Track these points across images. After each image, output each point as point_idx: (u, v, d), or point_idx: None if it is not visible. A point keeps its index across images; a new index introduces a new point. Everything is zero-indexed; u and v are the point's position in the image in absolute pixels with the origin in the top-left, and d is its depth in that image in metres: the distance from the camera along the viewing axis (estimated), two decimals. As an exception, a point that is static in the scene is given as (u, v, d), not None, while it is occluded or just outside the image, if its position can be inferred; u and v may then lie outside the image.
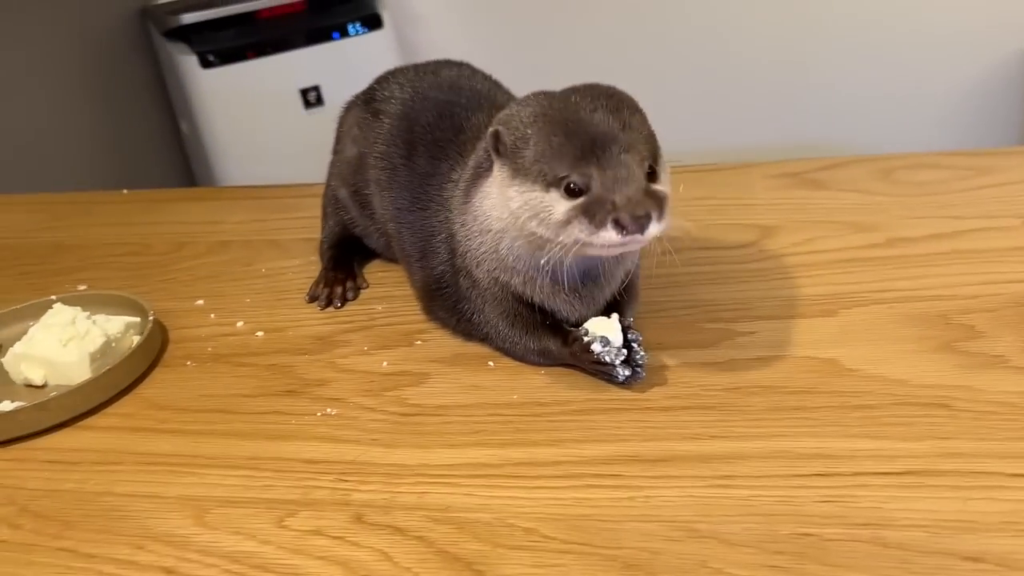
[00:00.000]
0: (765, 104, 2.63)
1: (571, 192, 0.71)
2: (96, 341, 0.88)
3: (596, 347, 0.77)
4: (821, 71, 2.55)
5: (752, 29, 2.56)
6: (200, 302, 1.03)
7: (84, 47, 2.44)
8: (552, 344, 0.81)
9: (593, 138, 0.71)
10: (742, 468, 0.67)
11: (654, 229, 0.69)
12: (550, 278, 0.79)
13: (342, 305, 0.99)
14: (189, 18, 2.45)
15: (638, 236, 0.69)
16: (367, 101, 1.02)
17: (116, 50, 2.55)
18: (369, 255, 1.06)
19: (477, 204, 0.80)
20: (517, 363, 0.84)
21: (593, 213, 0.70)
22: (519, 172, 0.74)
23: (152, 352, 0.91)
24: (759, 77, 2.60)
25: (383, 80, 1.03)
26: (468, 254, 0.82)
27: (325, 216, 1.07)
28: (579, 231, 0.71)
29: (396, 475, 0.72)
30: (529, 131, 0.73)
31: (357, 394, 0.83)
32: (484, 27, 2.79)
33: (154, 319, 0.93)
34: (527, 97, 0.78)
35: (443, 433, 0.76)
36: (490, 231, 0.80)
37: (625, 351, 0.77)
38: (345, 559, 0.64)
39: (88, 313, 0.93)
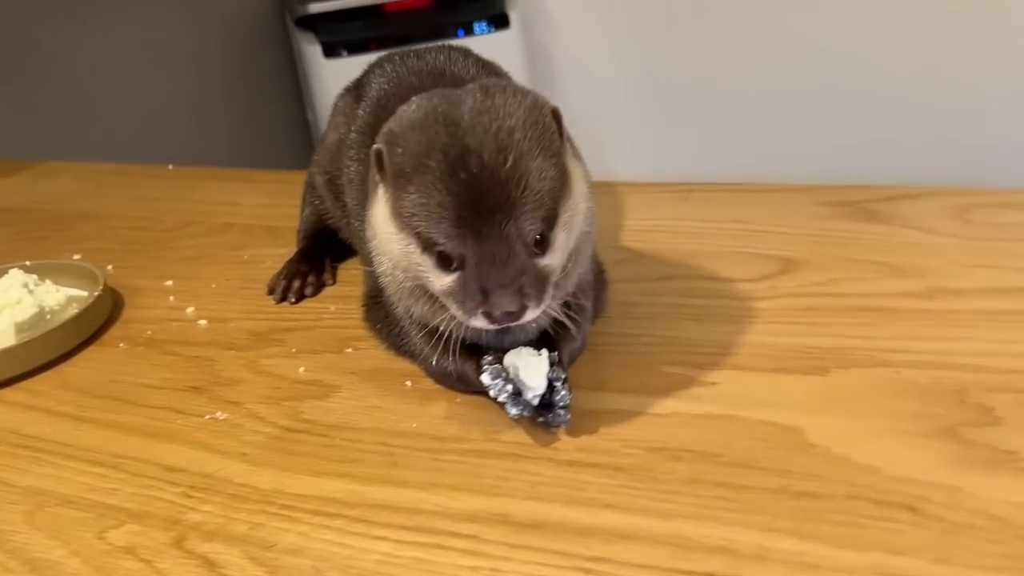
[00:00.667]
0: (847, 126, 2.37)
1: (445, 263, 0.61)
2: (27, 311, 0.85)
3: (485, 379, 0.65)
4: (910, 92, 2.26)
5: (843, 46, 2.30)
6: (169, 283, 0.99)
7: (225, 31, 2.52)
8: (469, 369, 0.69)
9: (476, 201, 0.59)
10: (621, 551, 0.54)
11: (530, 315, 0.61)
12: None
13: (296, 301, 0.91)
14: (317, 7, 2.46)
15: (511, 324, 0.61)
16: (356, 86, 0.94)
17: (254, 35, 2.62)
18: (345, 250, 0.97)
19: (371, 218, 0.69)
20: (438, 386, 0.73)
21: (463, 299, 0.60)
22: (397, 215, 0.63)
23: (86, 329, 0.87)
24: (843, 96, 2.34)
25: (375, 64, 0.94)
26: (378, 268, 0.72)
27: (303, 204, 1.00)
28: (452, 310, 0.62)
29: (242, 499, 0.63)
30: (409, 171, 0.61)
31: (257, 400, 0.75)
32: (614, 30, 2.67)
33: (100, 295, 0.89)
34: (415, 113, 0.64)
35: (316, 457, 0.66)
36: (384, 254, 0.69)
37: (541, 388, 0.64)
38: (137, 588, 0.56)
39: (36, 279, 0.89)
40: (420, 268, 0.63)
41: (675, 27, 2.56)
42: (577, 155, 0.69)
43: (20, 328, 0.84)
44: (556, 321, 0.68)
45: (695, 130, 2.64)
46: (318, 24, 2.47)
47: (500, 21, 2.56)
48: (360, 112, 0.87)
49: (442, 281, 0.61)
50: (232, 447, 0.69)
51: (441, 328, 0.66)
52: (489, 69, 0.88)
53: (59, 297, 0.88)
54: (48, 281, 0.93)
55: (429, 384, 0.74)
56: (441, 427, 0.68)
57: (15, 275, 0.88)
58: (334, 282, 0.94)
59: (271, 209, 1.16)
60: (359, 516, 0.60)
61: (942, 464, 0.57)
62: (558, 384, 0.65)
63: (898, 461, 0.58)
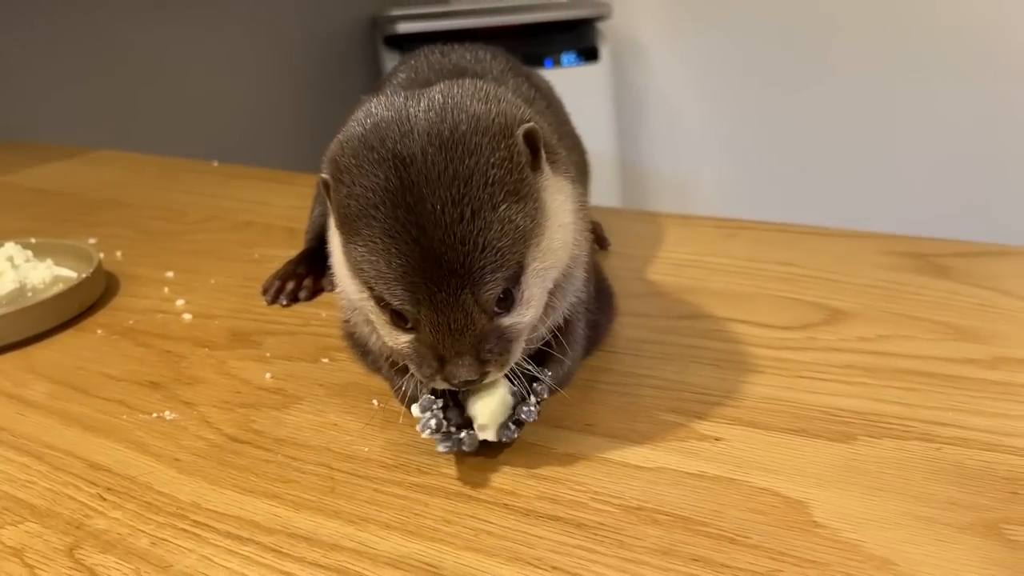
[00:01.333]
0: (935, 183, 2.23)
1: (400, 320, 0.53)
2: (7, 286, 0.80)
3: (414, 410, 0.57)
4: (1001, 151, 2.08)
5: (936, 101, 2.14)
6: (170, 274, 0.94)
7: (317, 45, 2.54)
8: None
9: (429, 265, 0.50)
10: (557, 628, 0.44)
11: (493, 375, 0.54)
12: None
13: (288, 303, 0.84)
14: (404, 28, 2.45)
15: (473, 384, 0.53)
16: (381, 83, 0.88)
17: (345, 51, 2.63)
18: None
19: (331, 248, 0.62)
20: (405, 409, 0.65)
21: (420, 364, 0.53)
22: (351, 262, 0.54)
23: (65, 312, 0.82)
24: (933, 152, 2.18)
25: (404, 57, 0.88)
26: (339, 300, 0.65)
27: (313, 203, 0.94)
28: (412, 369, 0.55)
29: (157, 508, 0.56)
30: (357, 219, 0.52)
31: (212, 403, 0.68)
32: (703, 71, 2.58)
33: (87, 279, 0.84)
34: (362, 138, 0.54)
35: (250, 472, 0.59)
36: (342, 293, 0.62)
37: (489, 433, 0.56)
38: (7, 597, 0.49)
39: (30, 255, 0.85)
40: (378, 321, 0.56)
41: (764, 70, 2.46)
42: (561, 169, 0.59)
43: (-3, 303, 0.80)
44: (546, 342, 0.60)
45: (779, 174, 2.52)
46: (405, 44, 2.46)
47: (590, 54, 2.51)
48: None
49: (397, 341, 0.54)
50: (167, 451, 0.62)
51: (392, 356, 0.60)
52: (514, 71, 0.81)
53: (45, 275, 0.84)
54: (45, 260, 0.88)
55: (397, 406, 0.65)
56: (394, 454, 0.60)
57: (5, 249, 0.84)
58: (332, 288, 0.87)
59: (298, 211, 1.10)
60: (272, 544, 0.51)
61: (976, 566, 0.46)
62: (531, 401, 0.56)
63: (920, 557, 0.47)
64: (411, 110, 0.54)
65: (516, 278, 0.53)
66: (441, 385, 0.54)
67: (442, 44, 0.87)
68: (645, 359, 0.70)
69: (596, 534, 0.50)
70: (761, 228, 0.97)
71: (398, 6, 2.62)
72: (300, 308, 0.84)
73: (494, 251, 0.51)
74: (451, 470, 0.57)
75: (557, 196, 0.57)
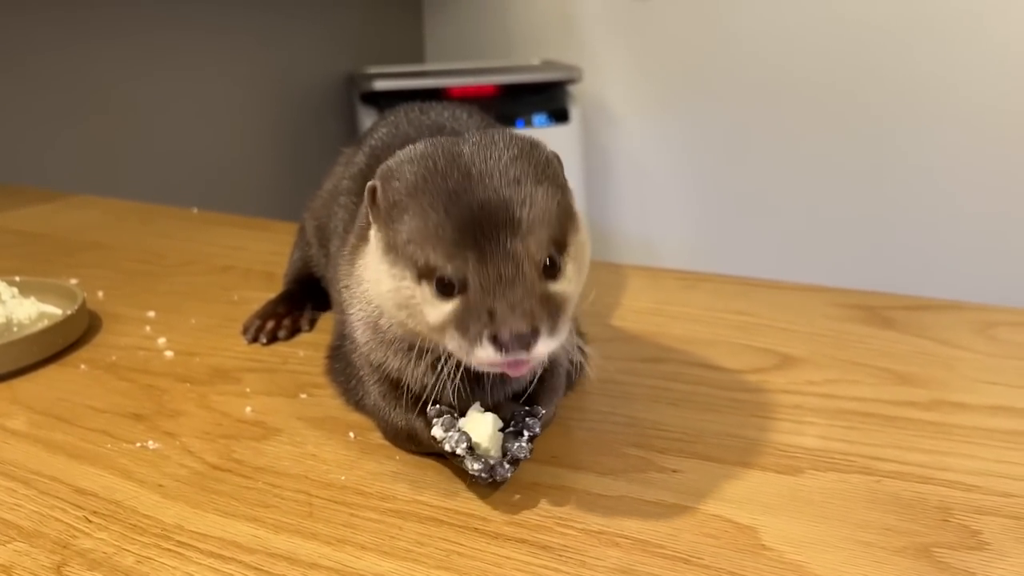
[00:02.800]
0: (891, 242, 2.34)
1: (444, 289, 0.54)
2: (-8, 320, 0.83)
3: (436, 432, 0.60)
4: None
5: (894, 165, 2.24)
6: (151, 314, 0.96)
7: (295, 99, 2.60)
8: (419, 425, 0.64)
9: (478, 219, 0.53)
10: (523, 638, 0.47)
11: (544, 347, 0.52)
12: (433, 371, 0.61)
13: (268, 342, 0.88)
14: (381, 85, 2.52)
15: (523, 355, 0.52)
16: (362, 137, 0.93)
17: (321, 106, 2.69)
18: (328, 298, 0.94)
19: (360, 267, 0.65)
20: (381, 442, 0.68)
21: (467, 326, 0.53)
22: (391, 248, 0.57)
23: (50, 347, 0.84)
24: (891, 213, 2.28)
25: (383, 115, 0.93)
26: (351, 318, 0.68)
27: (293, 248, 0.98)
28: (452, 344, 0.54)
29: (142, 530, 0.58)
30: (406, 198, 0.56)
31: (193, 434, 0.71)
32: (670, 134, 2.67)
33: (72, 316, 0.87)
34: (417, 146, 0.59)
35: (231, 497, 0.62)
36: (370, 303, 0.64)
37: (494, 452, 0.59)
38: (-3, 610, 0.51)
39: (15, 292, 0.88)
40: (415, 301, 0.56)
41: (728, 136, 2.56)
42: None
43: (-17, 336, 0.82)
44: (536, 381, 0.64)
45: (743, 233, 2.60)
46: (382, 101, 2.52)
47: (560, 115, 2.59)
48: (356, 160, 0.85)
49: (440, 311, 0.54)
50: (151, 477, 0.64)
51: (406, 381, 0.63)
52: (490, 126, 0.86)
53: (31, 311, 0.86)
54: (30, 297, 0.91)
55: (374, 438, 0.69)
56: (370, 483, 0.63)
57: (-5, 286, 0.87)
58: (311, 328, 0.90)
59: (276, 256, 1.14)
60: (254, 564, 0.54)
61: (908, 586, 0.50)
62: (524, 437, 0.60)
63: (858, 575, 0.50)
64: (456, 138, 0.59)
65: (560, 247, 0.55)
66: (486, 353, 0.52)
67: (420, 103, 0.92)
68: (609, 398, 0.74)
69: (560, 555, 0.54)
70: (719, 280, 1.02)
71: (374, 64, 2.70)
72: (279, 347, 0.87)
73: (542, 211, 0.54)
74: (423, 497, 0.60)
75: (580, 215, 0.61)
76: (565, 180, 0.60)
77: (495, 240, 0.53)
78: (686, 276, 1.03)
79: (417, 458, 0.66)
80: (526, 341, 0.51)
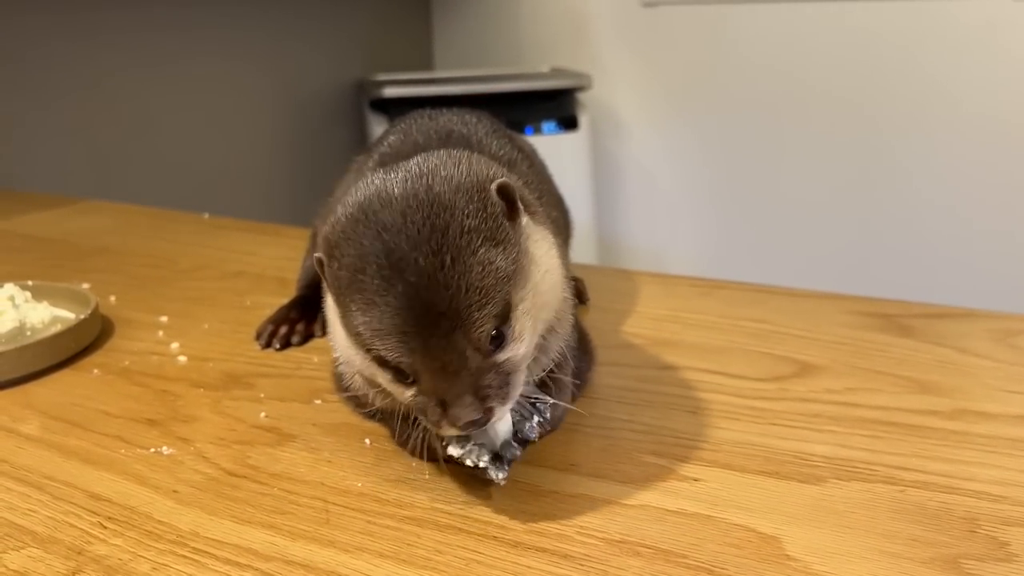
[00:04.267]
0: (905, 251, 2.32)
1: (402, 377, 0.57)
2: (7, 324, 0.82)
3: (453, 452, 0.59)
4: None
5: (905, 171, 2.23)
6: (163, 319, 0.96)
7: (304, 105, 2.59)
8: (436, 444, 0.63)
9: (416, 314, 0.53)
10: (546, 648, 0.46)
11: (499, 415, 0.56)
12: None
13: (281, 347, 0.87)
14: (390, 92, 2.51)
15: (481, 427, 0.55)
16: (373, 145, 0.92)
17: (330, 112, 2.69)
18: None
19: (328, 324, 0.67)
20: (397, 449, 0.68)
21: (427, 413, 0.56)
22: (349, 328, 0.57)
23: (63, 351, 0.84)
24: (903, 220, 2.26)
25: (395, 122, 0.93)
26: (336, 365, 0.70)
27: (306, 254, 0.97)
28: (422, 422, 0.58)
29: (157, 536, 0.58)
30: (348, 286, 0.56)
31: (208, 440, 0.70)
32: (679, 141, 2.67)
33: (85, 320, 0.86)
34: (349, 214, 0.58)
35: (247, 504, 0.61)
36: (345, 362, 0.66)
37: (506, 429, 0.59)
38: (12, 616, 0.50)
39: (28, 296, 0.87)
40: (383, 380, 0.58)
41: (738, 143, 2.55)
42: (543, 221, 0.63)
43: (-3, 340, 0.82)
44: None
45: (754, 242, 2.59)
46: (391, 108, 2.52)
47: (569, 123, 2.58)
48: (367, 167, 0.85)
49: (404, 395, 0.58)
50: (166, 483, 0.64)
51: (399, 409, 0.63)
52: (498, 134, 0.86)
53: (44, 316, 0.86)
54: (43, 302, 0.91)
55: (390, 445, 0.68)
56: (387, 490, 0.62)
57: (5, 289, 0.87)
58: (324, 334, 0.90)
59: (288, 262, 1.14)
60: (270, 571, 0.53)
61: (937, 598, 0.49)
62: (535, 420, 0.60)
63: (886, 588, 0.50)
64: (389, 183, 0.58)
65: (505, 316, 0.56)
66: (449, 431, 0.56)
67: (431, 109, 0.92)
68: (627, 405, 0.73)
69: (581, 564, 0.53)
70: (734, 287, 1.01)
71: (383, 71, 2.70)
72: (293, 352, 0.87)
73: (478, 291, 0.54)
74: (442, 505, 0.60)
75: (541, 244, 0.61)
76: (514, 214, 0.59)
77: (436, 332, 0.53)
78: (701, 283, 1.03)
79: (434, 466, 0.65)
80: (480, 422, 0.54)
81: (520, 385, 0.57)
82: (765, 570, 0.52)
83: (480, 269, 0.54)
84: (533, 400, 0.61)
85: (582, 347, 0.72)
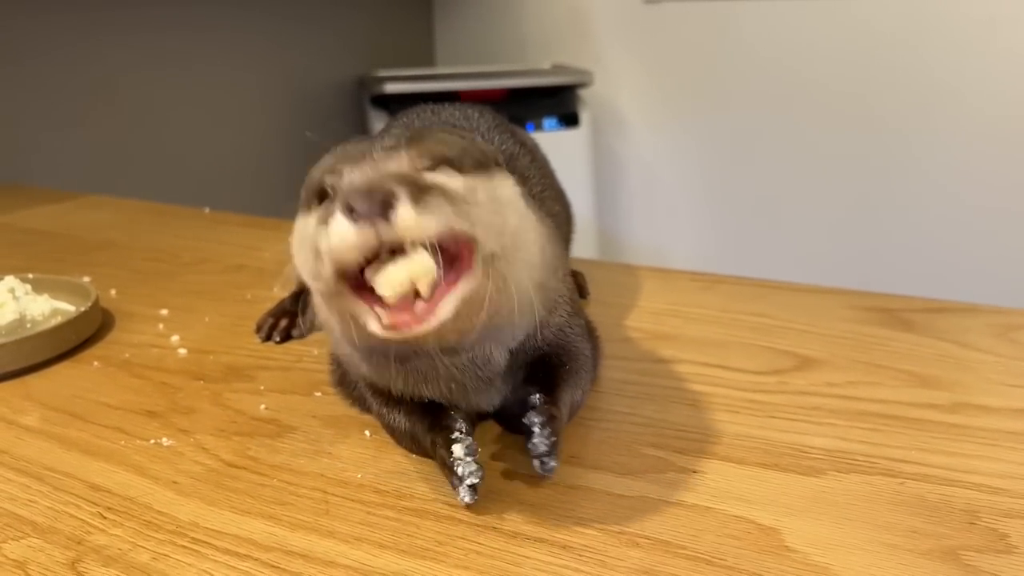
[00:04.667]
0: (905, 246, 2.32)
1: (323, 200, 0.54)
2: (7, 316, 0.83)
3: (457, 450, 0.58)
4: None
5: (908, 168, 2.23)
6: (164, 312, 0.96)
7: (304, 101, 2.59)
8: (419, 428, 0.63)
9: (366, 146, 0.54)
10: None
11: (407, 215, 0.48)
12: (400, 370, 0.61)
13: (282, 340, 0.87)
14: (392, 88, 2.51)
15: (382, 225, 0.48)
16: (376, 135, 0.92)
17: (331, 108, 2.69)
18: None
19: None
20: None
21: (327, 212, 0.51)
22: (303, 204, 0.57)
23: (63, 343, 0.84)
24: (905, 215, 2.26)
25: (398, 115, 0.93)
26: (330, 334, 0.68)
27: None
28: (323, 247, 0.50)
29: (157, 527, 0.58)
30: (318, 180, 0.55)
31: (207, 432, 0.70)
32: (680, 139, 2.66)
33: (85, 313, 0.86)
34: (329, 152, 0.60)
35: (247, 495, 0.61)
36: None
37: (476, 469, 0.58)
38: (12, 605, 0.50)
39: (28, 288, 0.88)
40: (297, 231, 0.56)
41: (740, 141, 2.55)
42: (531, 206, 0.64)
43: (-3, 332, 0.82)
44: (546, 368, 0.64)
45: (754, 239, 2.59)
46: (392, 104, 2.52)
47: (571, 120, 2.58)
48: None
49: (319, 231, 0.51)
50: (165, 474, 0.64)
51: (391, 389, 0.63)
52: (500, 128, 0.86)
53: (45, 308, 0.86)
54: (43, 294, 0.91)
55: (388, 437, 0.68)
56: (386, 481, 0.62)
57: (6, 282, 0.87)
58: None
59: (289, 256, 1.14)
60: (271, 561, 0.54)
61: (936, 589, 0.49)
62: (536, 430, 0.58)
63: (885, 579, 0.50)
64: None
65: (457, 162, 0.54)
66: (339, 231, 0.48)
67: (433, 103, 0.92)
68: (627, 398, 0.73)
69: (580, 555, 0.53)
70: (734, 282, 1.01)
71: (385, 67, 2.69)
72: (293, 345, 0.87)
73: (433, 143, 0.55)
74: (442, 496, 0.60)
75: (517, 191, 0.60)
76: (489, 162, 0.59)
77: (375, 150, 0.54)
78: (701, 278, 1.03)
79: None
80: (376, 202, 0.48)
81: (445, 210, 0.50)
82: (764, 561, 0.52)
83: (453, 135, 0.57)
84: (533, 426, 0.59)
85: (591, 341, 0.72)
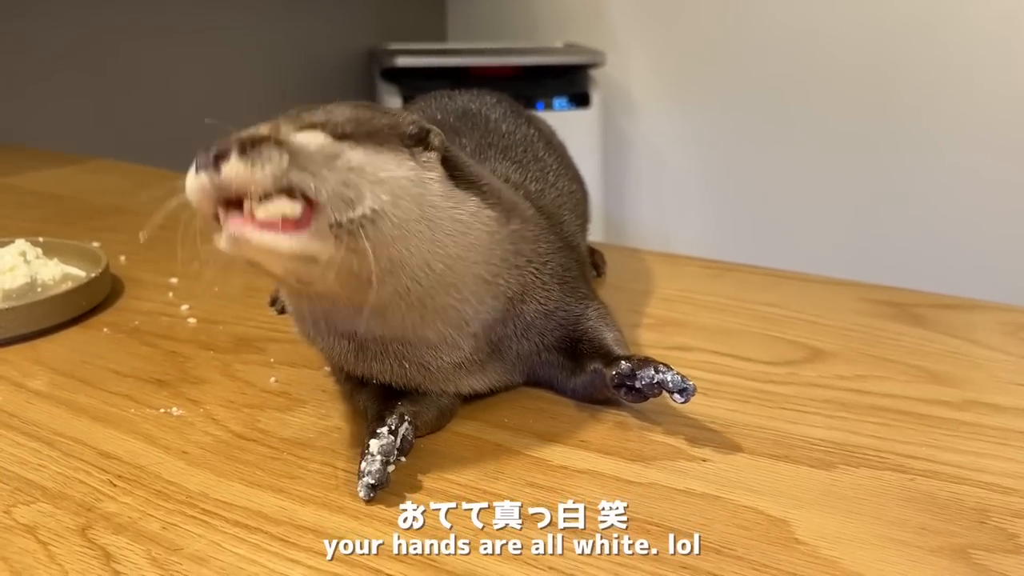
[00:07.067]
0: (915, 238, 2.30)
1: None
2: (18, 279, 0.82)
3: (373, 445, 0.58)
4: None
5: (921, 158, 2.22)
6: (173, 280, 0.96)
7: (313, 72, 2.57)
8: (370, 409, 0.64)
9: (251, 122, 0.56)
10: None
11: (231, 165, 0.51)
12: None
13: (294, 314, 0.87)
14: (403, 62, 2.49)
15: (212, 174, 0.52)
16: None
17: (340, 80, 2.67)
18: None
19: None
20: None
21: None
22: None
23: (73, 308, 0.84)
24: (915, 208, 2.25)
25: (414, 101, 0.93)
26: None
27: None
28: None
29: (166, 496, 0.58)
30: None
31: (217, 402, 0.70)
32: (691, 122, 2.65)
33: (96, 278, 0.86)
34: None
35: (257, 468, 0.61)
36: None
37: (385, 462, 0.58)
38: (23, 568, 0.51)
39: (39, 252, 0.87)
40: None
41: (752, 127, 2.54)
42: (474, 190, 0.63)
43: (7, 295, 0.82)
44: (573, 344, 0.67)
45: (761, 227, 2.58)
46: (403, 78, 2.50)
47: (581, 100, 2.56)
48: None
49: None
50: (175, 443, 0.64)
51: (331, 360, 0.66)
52: (516, 115, 0.86)
53: (56, 272, 0.86)
54: (53, 259, 0.90)
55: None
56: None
57: (17, 245, 0.87)
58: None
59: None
60: (281, 535, 0.54)
61: (945, 586, 0.49)
62: (649, 372, 0.62)
63: (894, 574, 0.50)
64: None
65: (331, 132, 0.56)
66: (189, 185, 0.55)
67: (449, 89, 0.92)
68: (636, 384, 0.73)
69: (590, 539, 0.53)
70: (745, 271, 1.01)
71: (396, 41, 2.67)
72: (303, 319, 0.87)
73: (322, 110, 0.57)
74: (454, 477, 0.60)
75: (431, 184, 0.59)
76: (389, 138, 0.59)
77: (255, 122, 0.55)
78: (712, 265, 1.02)
79: (443, 436, 0.65)
80: (212, 153, 0.52)
81: (274, 169, 0.52)
82: (774, 553, 0.52)
83: (346, 109, 0.58)
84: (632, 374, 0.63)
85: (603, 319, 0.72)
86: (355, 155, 0.55)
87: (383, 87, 2.54)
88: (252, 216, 0.52)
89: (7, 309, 0.79)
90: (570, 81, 2.58)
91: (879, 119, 2.33)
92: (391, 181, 0.57)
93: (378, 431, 0.59)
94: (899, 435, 0.65)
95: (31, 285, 0.83)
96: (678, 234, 2.75)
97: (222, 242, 0.55)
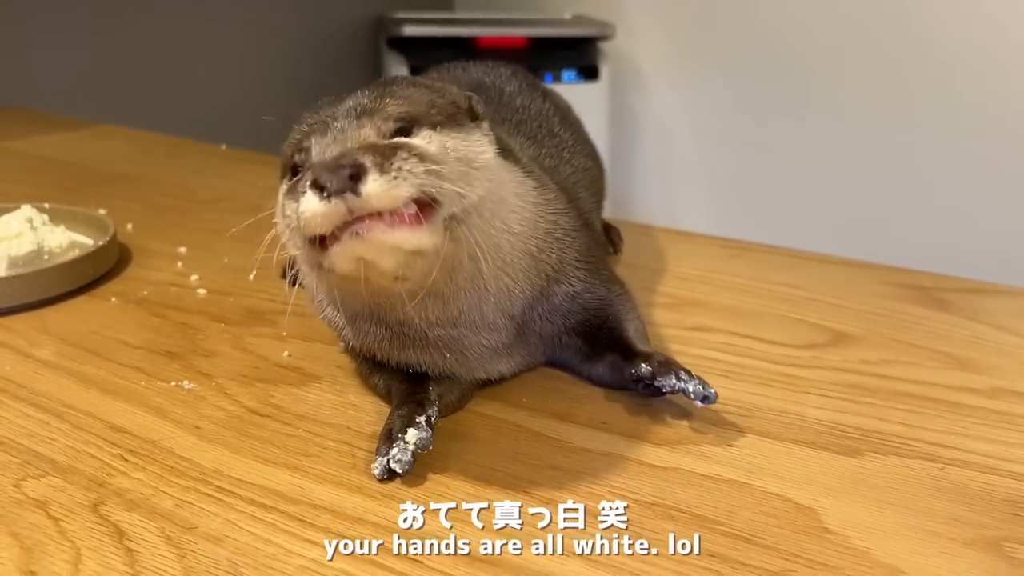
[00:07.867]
0: (926, 215, 2.27)
1: (295, 175, 0.54)
2: (25, 246, 0.81)
3: (411, 435, 0.56)
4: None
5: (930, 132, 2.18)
6: (182, 250, 0.94)
7: (320, 42, 2.53)
8: (396, 388, 0.63)
9: (331, 113, 0.54)
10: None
11: (375, 186, 0.48)
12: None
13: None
14: (410, 31, 2.45)
15: (351, 197, 0.48)
16: None
17: (347, 49, 2.63)
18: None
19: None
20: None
21: (296, 190, 0.51)
22: (281, 174, 0.59)
23: (80, 277, 0.82)
24: (928, 186, 2.22)
25: (427, 73, 0.91)
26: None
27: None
28: (288, 218, 0.53)
29: (179, 472, 0.57)
30: (291, 155, 0.57)
31: (230, 376, 0.69)
32: (699, 96, 2.62)
33: (103, 247, 0.84)
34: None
35: (272, 444, 0.60)
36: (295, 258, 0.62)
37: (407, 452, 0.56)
38: (33, 544, 0.49)
39: (46, 219, 0.85)
40: (292, 221, 0.53)
41: (761, 101, 2.50)
42: (514, 160, 0.63)
43: (14, 262, 0.80)
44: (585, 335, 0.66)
45: (770, 204, 2.55)
46: (410, 48, 2.47)
47: (590, 72, 2.53)
48: None
49: (290, 207, 0.53)
50: (187, 418, 0.63)
51: (375, 355, 0.63)
52: (531, 88, 0.83)
53: (63, 240, 0.84)
54: (59, 225, 0.89)
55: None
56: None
57: (24, 211, 0.85)
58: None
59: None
60: (297, 514, 0.52)
61: (980, 580, 0.48)
62: (670, 380, 0.61)
63: (927, 567, 0.49)
64: None
65: (416, 123, 0.54)
66: (309, 206, 0.49)
67: (457, 59, 0.90)
68: (657, 365, 0.71)
69: (617, 526, 0.52)
70: (765, 251, 0.99)
71: (403, 9, 2.64)
72: (314, 292, 0.85)
73: (403, 97, 0.55)
74: (472, 457, 0.58)
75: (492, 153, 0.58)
76: (461, 114, 0.58)
77: (340, 120, 0.53)
78: (731, 244, 1.01)
79: (463, 416, 0.64)
80: (342, 175, 0.48)
81: (416, 171, 0.50)
82: (804, 542, 0.50)
83: (416, 91, 0.57)
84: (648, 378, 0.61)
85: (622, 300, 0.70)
86: (456, 144, 0.55)
87: (389, 56, 2.50)
88: (380, 216, 0.49)
89: (14, 277, 0.77)
90: (579, 53, 2.54)
91: (901, 95, 2.29)
92: (488, 166, 0.56)
93: (417, 419, 0.57)
94: (927, 423, 0.63)
95: (38, 252, 0.82)
96: (684, 210, 2.73)
97: (337, 258, 0.51)
